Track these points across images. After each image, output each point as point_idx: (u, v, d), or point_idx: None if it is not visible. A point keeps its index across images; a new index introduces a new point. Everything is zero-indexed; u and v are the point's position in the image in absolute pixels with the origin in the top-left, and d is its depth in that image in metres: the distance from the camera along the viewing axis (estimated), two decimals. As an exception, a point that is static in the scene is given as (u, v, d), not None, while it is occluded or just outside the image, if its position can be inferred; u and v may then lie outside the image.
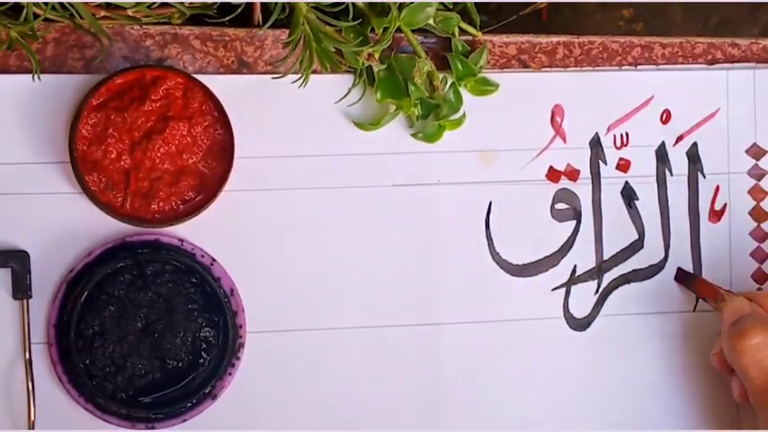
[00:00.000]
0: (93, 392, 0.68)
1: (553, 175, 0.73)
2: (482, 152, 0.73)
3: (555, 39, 0.74)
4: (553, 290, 0.73)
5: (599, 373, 0.73)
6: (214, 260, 0.70)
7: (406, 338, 0.72)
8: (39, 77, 0.67)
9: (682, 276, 0.74)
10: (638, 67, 0.75)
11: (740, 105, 0.75)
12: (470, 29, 0.72)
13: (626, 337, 0.74)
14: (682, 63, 0.75)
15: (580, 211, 0.74)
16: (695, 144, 0.75)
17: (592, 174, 0.74)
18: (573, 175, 0.74)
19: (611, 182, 0.74)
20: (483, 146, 0.73)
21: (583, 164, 0.74)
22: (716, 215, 0.75)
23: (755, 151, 0.75)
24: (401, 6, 0.69)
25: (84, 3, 0.66)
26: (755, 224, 0.76)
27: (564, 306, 0.73)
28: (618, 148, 0.74)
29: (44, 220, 0.69)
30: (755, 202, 0.76)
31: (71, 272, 0.69)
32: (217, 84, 0.69)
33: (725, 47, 0.75)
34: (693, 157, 0.75)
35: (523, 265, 0.73)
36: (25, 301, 0.68)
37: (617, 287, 0.74)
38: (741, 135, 0.75)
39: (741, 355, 0.68)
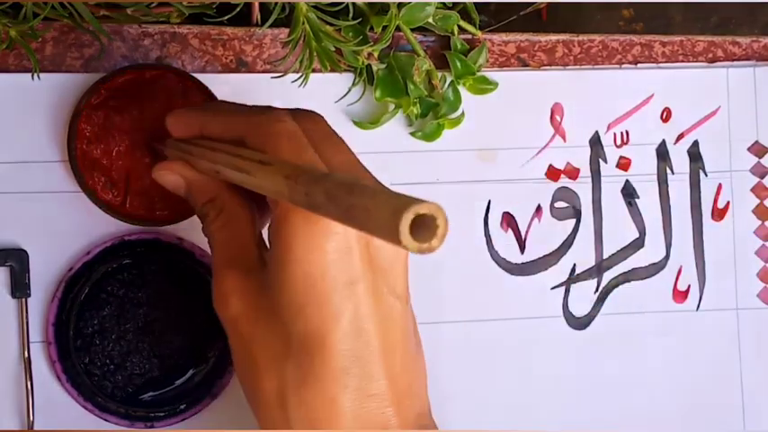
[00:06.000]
0: (92, 391, 0.68)
1: (553, 173, 0.73)
2: (481, 151, 0.73)
3: (554, 37, 0.74)
4: (552, 288, 0.73)
5: (599, 372, 0.73)
6: (213, 259, 0.70)
7: (405, 337, 0.72)
8: (38, 76, 0.67)
9: None
10: (639, 65, 0.74)
11: (741, 103, 0.75)
12: (470, 27, 0.72)
13: (626, 337, 0.73)
14: (682, 61, 0.75)
15: (580, 210, 0.73)
16: (696, 142, 0.74)
17: (592, 172, 0.73)
18: (573, 173, 0.73)
19: (612, 180, 0.74)
20: (482, 144, 0.73)
21: (583, 162, 0.73)
22: (719, 213, 0.75)
23: (758, 149, 0.75)
24: (400, 5, 0.69)
25: (84, 2, 0.66)
26: (759, 222, 0.75)
27: (563, 305, 0.73)
28: (618, 147, 0.74)
29: (43, 218, 0.69)
30: (759, 200, 0.75)
31: (70, 270, 0.69)
32: (216, 83, 0.69)
33: (725, 45, 0.75)
34: (694, 155, 0.74)
35: (522, 263, 0.73)
36: (24, 299, 0.68)
37: (617, 286, 0.73)
38: (742, 133, 0.75)
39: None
